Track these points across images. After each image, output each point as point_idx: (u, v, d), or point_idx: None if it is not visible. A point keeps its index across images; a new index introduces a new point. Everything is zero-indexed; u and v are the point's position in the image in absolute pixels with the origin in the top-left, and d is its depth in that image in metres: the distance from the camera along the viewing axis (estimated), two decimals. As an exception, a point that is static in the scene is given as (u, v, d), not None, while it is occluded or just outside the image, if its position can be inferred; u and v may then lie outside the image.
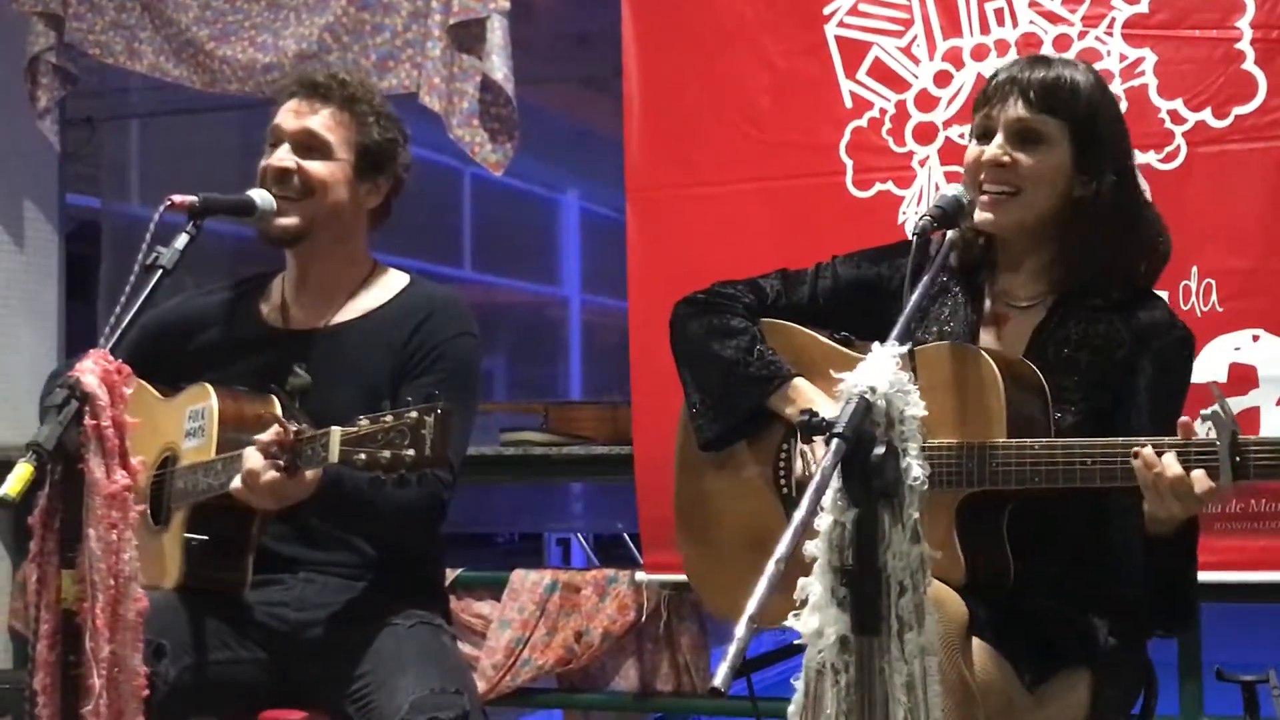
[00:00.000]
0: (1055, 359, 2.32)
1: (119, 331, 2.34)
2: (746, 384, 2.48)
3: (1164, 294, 3.16)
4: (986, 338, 2.40)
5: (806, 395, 2.42)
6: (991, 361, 2.23)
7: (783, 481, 2.51)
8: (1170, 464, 2.05)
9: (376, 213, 2.80)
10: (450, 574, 3.77)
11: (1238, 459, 2.03)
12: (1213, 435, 2.05)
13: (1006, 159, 2.30)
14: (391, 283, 2.81)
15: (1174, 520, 2.10)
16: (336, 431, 2.26)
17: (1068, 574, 2.30)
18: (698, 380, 2.57)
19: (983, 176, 2.32)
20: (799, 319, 2.55)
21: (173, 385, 2.74)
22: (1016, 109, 2.31)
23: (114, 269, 5.19)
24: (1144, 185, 3.22)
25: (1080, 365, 2.31)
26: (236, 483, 2.39)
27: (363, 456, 2.23)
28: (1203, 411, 2.06)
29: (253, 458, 2.36)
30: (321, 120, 2.71)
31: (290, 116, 2.72)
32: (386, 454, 2.21)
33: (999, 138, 2.32)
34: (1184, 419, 2.08)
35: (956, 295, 2.43)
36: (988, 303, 2.43)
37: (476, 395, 2.79)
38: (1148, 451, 2.07)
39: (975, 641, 2.12)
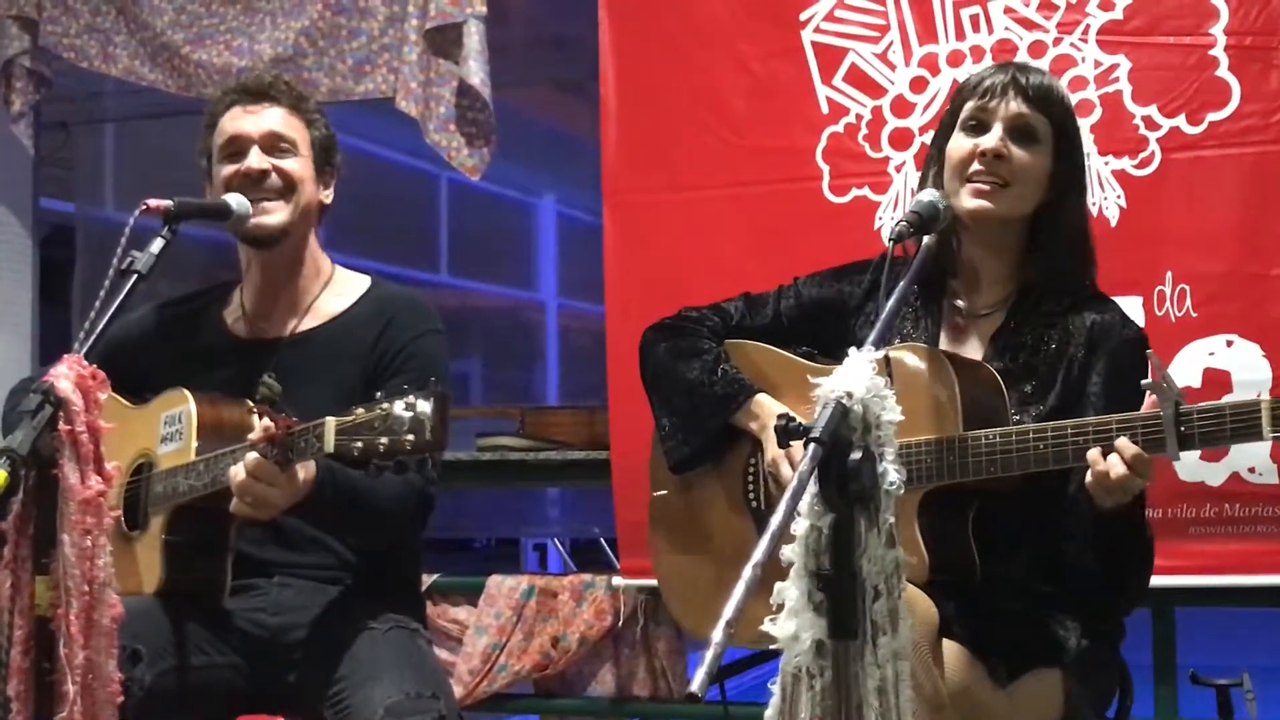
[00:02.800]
0: (1012, 364, 2.35)
1: (93, 336, 2.32)
2: (711, 403, 2.51)
3: (1138, 298, 3.21)
4: (946, 346, 2.42)
5: (769, 409, 2.45)
6: (946, 359, 2.26)
7: (751, 496, 2.52)
8: (1114, 464, 2.06)
9: (323, 210, 2.80)
10: (426, 579, 3.76)
11: (1182, 429, 2.05)
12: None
13: (1005, 151, 2.33)
14: (353, 286, 2.79)
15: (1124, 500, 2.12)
16: (331, 421, 2.23)
17: (1036, 576, 2.31)
18: (666, 403, 2.61)
19: (976, 167, 2.34)
20: (763, 339, 2.57)
21: (139, 398, 2.72)
22: (1019, 105, 2.34)
23: (88, 273, 5.15)
24: (1119, 191, 3.29)
25: (1037, 370, 2.34)
26: (235, 503, 2.37)
27: (360, 444, 2.20)
28: (1143, 382, 2.07)
29: (249, 458, 2.33)
30: (280, 120, 2.70)
31: (247, 122, 2.69)
32: (385, 440, 2.17)
33: (996, 130, 2.35)
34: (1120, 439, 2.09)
35: (916, 306, 2.46)
36: (946, 313, 2.45)
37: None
38: (1094, 456, 2.08)
39: (946, 642, 2.13)
